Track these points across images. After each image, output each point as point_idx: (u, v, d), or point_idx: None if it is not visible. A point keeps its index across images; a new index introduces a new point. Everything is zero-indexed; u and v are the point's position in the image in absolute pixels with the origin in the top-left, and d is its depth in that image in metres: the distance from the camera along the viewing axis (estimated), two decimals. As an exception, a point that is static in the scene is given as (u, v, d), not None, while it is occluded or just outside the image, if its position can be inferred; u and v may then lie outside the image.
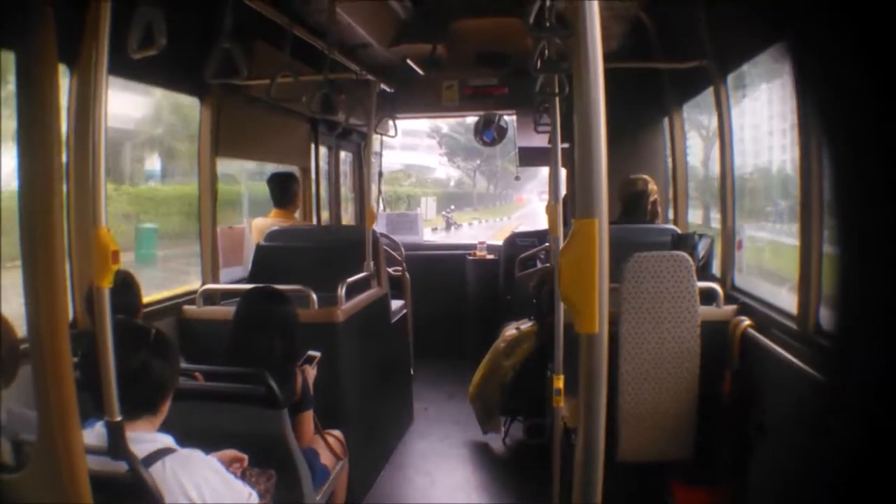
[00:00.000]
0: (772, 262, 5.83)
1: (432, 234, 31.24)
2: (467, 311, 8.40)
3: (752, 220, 5.80)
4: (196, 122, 5.21)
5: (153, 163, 14.11)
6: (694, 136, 6.95)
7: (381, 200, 9.31)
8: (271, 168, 7.04)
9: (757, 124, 5.92)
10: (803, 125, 3.57)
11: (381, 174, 9.11)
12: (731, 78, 4.94)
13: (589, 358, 1.66)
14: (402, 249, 7.87)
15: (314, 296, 4.58)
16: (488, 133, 8.28)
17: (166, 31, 2.81)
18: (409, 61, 6.95)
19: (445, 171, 61.17)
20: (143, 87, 5.25)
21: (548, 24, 3.39)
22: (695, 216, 6.73)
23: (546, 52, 3.93)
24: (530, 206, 51.60)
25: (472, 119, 9.11)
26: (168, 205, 13.41)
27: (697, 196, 7.10)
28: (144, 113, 11.52)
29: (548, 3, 3.31)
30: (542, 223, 8.35)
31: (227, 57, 3.99)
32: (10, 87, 1.94)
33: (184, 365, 3.50)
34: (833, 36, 1.19)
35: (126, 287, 3.65)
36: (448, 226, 37.14)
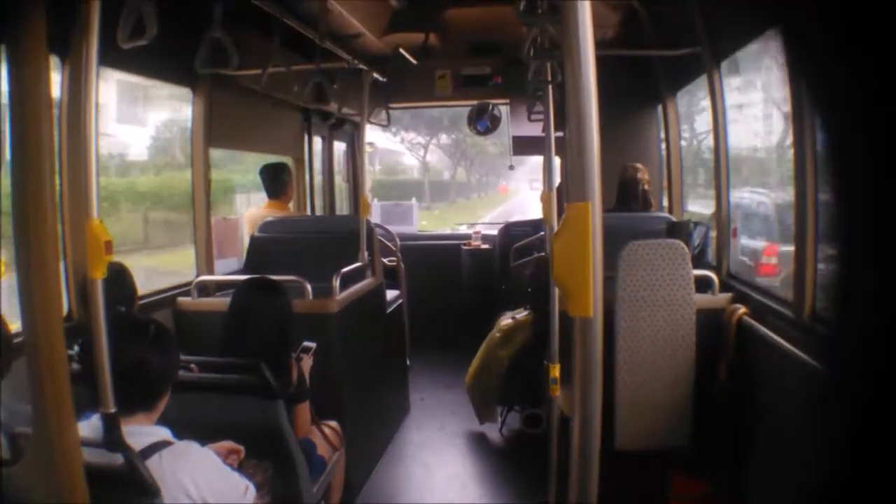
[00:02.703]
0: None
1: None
2: (463, 301, 8.39)
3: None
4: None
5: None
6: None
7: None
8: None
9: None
10: (797, 112, 3.56)
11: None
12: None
13: (583, 342, 1.65)
14: (397, 239, 7.87)
15: (309, 286, 4.57)
16: (482, 122, 8.25)
17: (157, 21, 2.80)
18: (401, 50, 6.94)
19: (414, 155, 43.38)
20: None
21: (539, 11, 3.38)
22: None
23: (539, 39, 3.91)
24: (517, 197, 42.62)
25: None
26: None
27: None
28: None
29: None
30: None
31: (218, 47, 3.98)
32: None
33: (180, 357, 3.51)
34: (828, 20, 1.18)
35: (120, 279, 3.64)
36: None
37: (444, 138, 41.33)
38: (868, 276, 1.16)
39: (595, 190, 1.62)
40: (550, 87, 4.23)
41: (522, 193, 41.32)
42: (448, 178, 46.62)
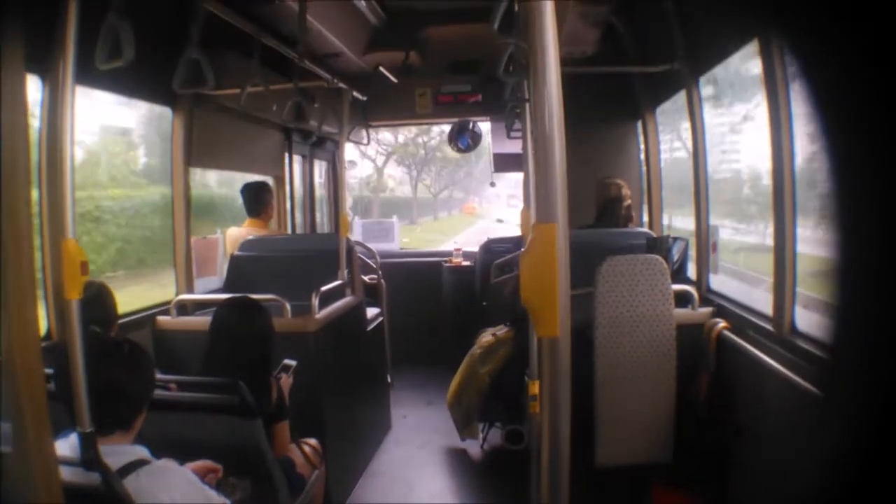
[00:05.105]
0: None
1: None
2: (444, 318, 8.38)
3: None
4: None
5: None
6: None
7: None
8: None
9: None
10: (774, 125, 3.59)
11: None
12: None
13: (551, 362, 1.66)
14: (378, 257, 7.86)
15: (288, 305, 4.56)
16: (462, 139, 8.28)
17: (134, 41, 2.80)
18: (381, 69, 6.95)
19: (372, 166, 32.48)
20: None
21: (515, 29, 3.40)
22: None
23: (515, 56, 3.93)
24: (486, 220, 33.02)
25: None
26: None
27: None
28: None
29: (516, 8, 3.31)
30: None
31: (196, 66, 3.98)
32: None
33: (158, 375, 3.49)
34: (811, 31, 1.19)
35: (100, 298, 3.62)
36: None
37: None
38: (857, 291, 1.17)
39: (560, 211, 1.63)
40: (528, 104, 4.25)
41: (495, 214, 32.99)
42: (378, 191, 34.29)
